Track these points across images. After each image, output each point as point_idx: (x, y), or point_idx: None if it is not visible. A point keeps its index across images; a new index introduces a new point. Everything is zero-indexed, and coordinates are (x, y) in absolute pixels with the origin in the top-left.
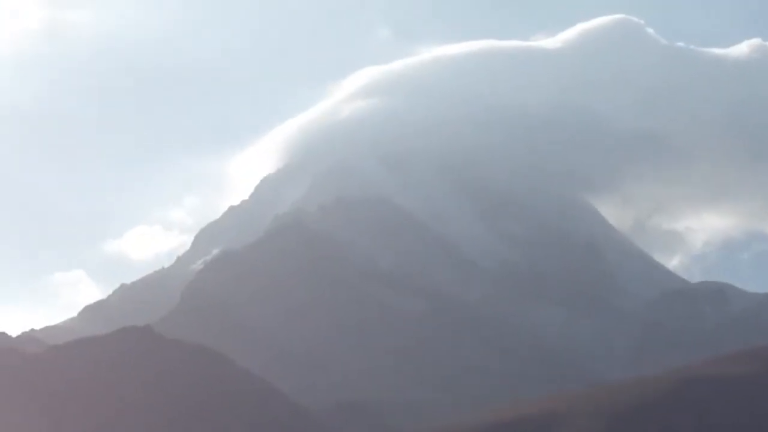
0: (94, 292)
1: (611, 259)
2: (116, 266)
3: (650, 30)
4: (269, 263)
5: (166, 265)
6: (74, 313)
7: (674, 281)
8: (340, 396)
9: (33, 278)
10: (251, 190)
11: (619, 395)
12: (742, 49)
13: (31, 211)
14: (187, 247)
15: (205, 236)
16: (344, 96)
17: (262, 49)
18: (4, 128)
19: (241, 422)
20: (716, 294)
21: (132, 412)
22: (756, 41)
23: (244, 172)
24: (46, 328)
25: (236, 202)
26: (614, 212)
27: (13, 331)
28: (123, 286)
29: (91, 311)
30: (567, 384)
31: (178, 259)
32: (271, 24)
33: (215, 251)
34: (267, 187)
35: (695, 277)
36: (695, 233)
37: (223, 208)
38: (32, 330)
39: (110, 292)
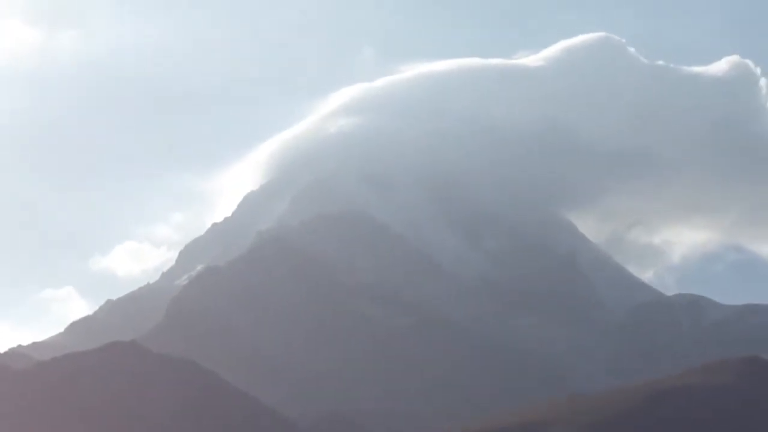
0: (83, 309)
1: (589, 272)
2: (103, 282)
3: (631, 48)
4: (253, 278)
5: (152, 280)
6: (62, 329)
7: (650, 293)
8: (324, 408)
9: (22, 295)
10: (234, 206)
11: (597, 405)
12: (721, 65)
13: (20, 229)
14: (173, 263)
15: (189, 252)
16: (327, 113)
17: (248, 68)
18: None
19: None
20: (691, 306)
21: (119, 427)
22: (734, 58)
23: (228, 188)
24: (34, 344)
25: (220, 218)
26: (592, 226)
27: (1, 348)
28: (109, 302)
29: (77, 327)
30: (546, 394)
31: (163, 274)
32: (257, 42)
33: (199, 267)
34: (250, 204)
35: (671, 289)
36: (672, 246)
37: (207, 224)
38: (19, 346)
39: (97, 308)
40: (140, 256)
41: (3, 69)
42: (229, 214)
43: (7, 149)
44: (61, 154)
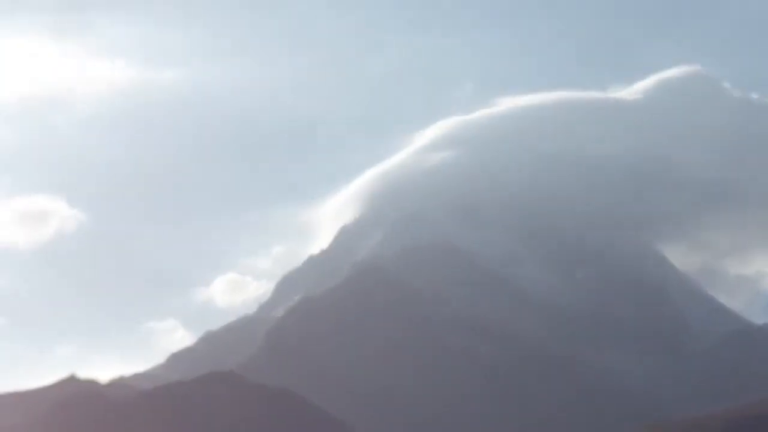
0: (186, 340)
1: (679, 302)
2: (205, 314)
3: (725, 82)
4: (347, 308)
5: (251, 311)
6: (163, 360)
7: (740, 322)
8: None
9: (128, 327)
10: (330, 239)
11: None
12: None
13: (127, 262)
14: (270, 294)
15: (286, 283)
16: (422, 146)
17: (347, 103)
18: (98, 183)
19: None
20: None
21: None
22: None
23: (325, 221)
24: (136, 375)
25: (316, 251)
26: (684, 257)
27: (104, 378)
28: (208, 333)
29: (178, 357)
30: (638, 424)
31: (261, 305)
32: (356, 77)
33: (296, 297)
34: (345, 236)
35: (762, 319)
36: (765, 277)
37: (304, 256)
38: (122, 377)
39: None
40: (241, 287)
41: (107, 108)
42: (326, 246)
43: (114, 186)
44: (166, 190)
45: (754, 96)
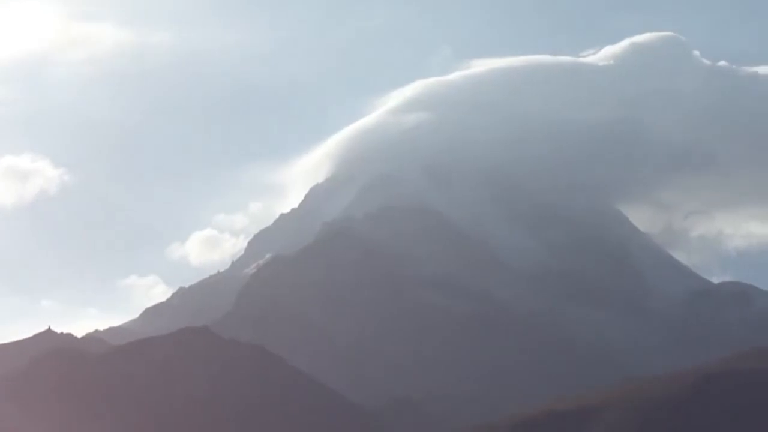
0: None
1: (639, 262)
2: (184, 270)
3: (695, 50)
4: (318, 267)
5: (223, 269)
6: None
7: (699, 282)
8: (389, 392)
9: (108, 283)
10: (301, 198)
11: (648, 389)
12: None
13: (109, 219)
14: (243, 251)
15: (258, 242)
16: (396, 107)
17: (325, 64)
18: (82, 144)
19: (294, 417)
20: (739, 294)
21: (189, 409)
22: None
23: (297, 180)
24: (110, 329)
25: (287, 209)
26: (647, 219)
27: (79, 333)
28: (182, 289)
29: (152, 313)
30: (601, 380)
31: (233, 263)
32: (334, 41)
33: (267, 256)
34: (316, 195)
35: (721, 278)
36: (726, 238)
37: (278, 214)
38: (96, 331)
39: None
40: (218, 244)
41: (92, 70)
42: (297, 206)
43: (97, 146)
44: (148, 150)
45: (723, 63)
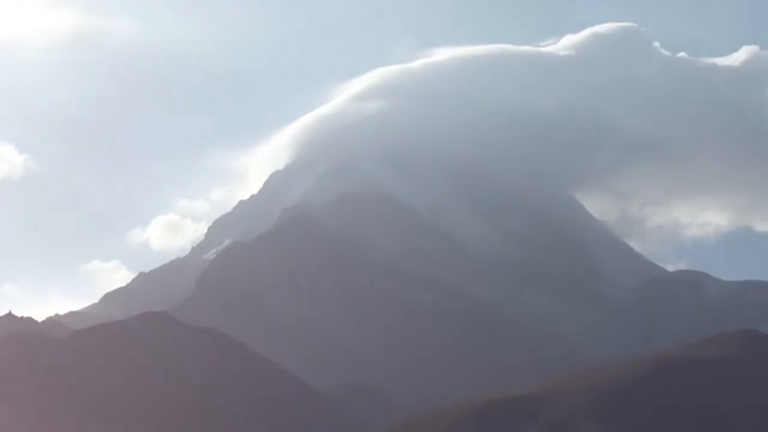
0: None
1: (596, 250)
2: (146, 255)
3: (655, 41)
4: (277, 254)
5: (183, 254)
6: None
7: (654, 270)
8: (346, 377)
9: (71, 267)
10: (261, 184)
11: (604, 377)
12: (739, 56)
13: (72, 205)
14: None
15: (218, 228)
16: (357, 94)
17: (286, 51)
18: (47, 130)
19: (252, 402)
20: (693, 282)
21: (149, 393)
22: (753, 48)
23: (258, 166)
24: (71, 314)
25: (247, 196)
26: (604, 208)
27: (40, 317)
28: (142, 275)
29: (112, 297)
30: (558, 367)
31: (193, 249)
32: (295, 28)
33: (227, 242)
34: (276, 182)
35: (677, 266)
36: (682, 227)
37: (237, 201)
38: (56, 315)
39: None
40: (179, 229)
41: (59, 57)
42: (256, 192)
43: (61, 132)
44: (111, 136)
45: (682, 55)
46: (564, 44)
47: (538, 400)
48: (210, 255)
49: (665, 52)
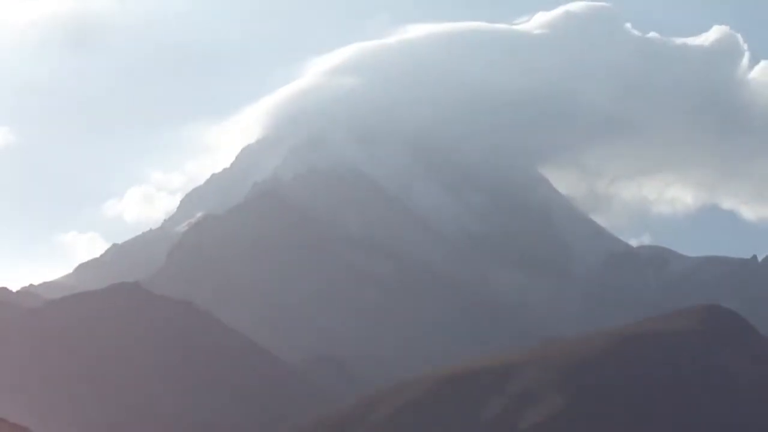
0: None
1: (561, 225)
2: (121, 226)
3: (626, 22)
4: (248, 227)
5: (155, 226)
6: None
7: (619, 246)
8: (315, 350)
9: (47, 237)
10: (233, 158)
11: (569, 349)
12: (709, 36)
13: (49, 177)
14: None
15: (190, 200)
16: (329, 70)
17: (259, 27)
18: (27, 104)
19: (221, 372)
20: (656, 257)
21: (121, 363)
22: (723, 28)
23: (228, 141)
24: (44, 284)
25: (219, 169)
26: (572, 184)
27: (14, 287)
28: (115, 246)
29: (85, 268)
30: (522, 340)
31: (165, 221)
32: (269, 4)
33: (198, 215)
34: (248, 156)
35: (642, 242)
36: (648, 203)
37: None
38: (31, 285)
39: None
40: (154, 201)
41: (37, 32)
42: (228, 165)
43: (44, 105)
44: (89, 110)
45: (653, 35)
46: (537, 22)
47: (504, 372)
48: (182, 227)
49: (636, 32)
